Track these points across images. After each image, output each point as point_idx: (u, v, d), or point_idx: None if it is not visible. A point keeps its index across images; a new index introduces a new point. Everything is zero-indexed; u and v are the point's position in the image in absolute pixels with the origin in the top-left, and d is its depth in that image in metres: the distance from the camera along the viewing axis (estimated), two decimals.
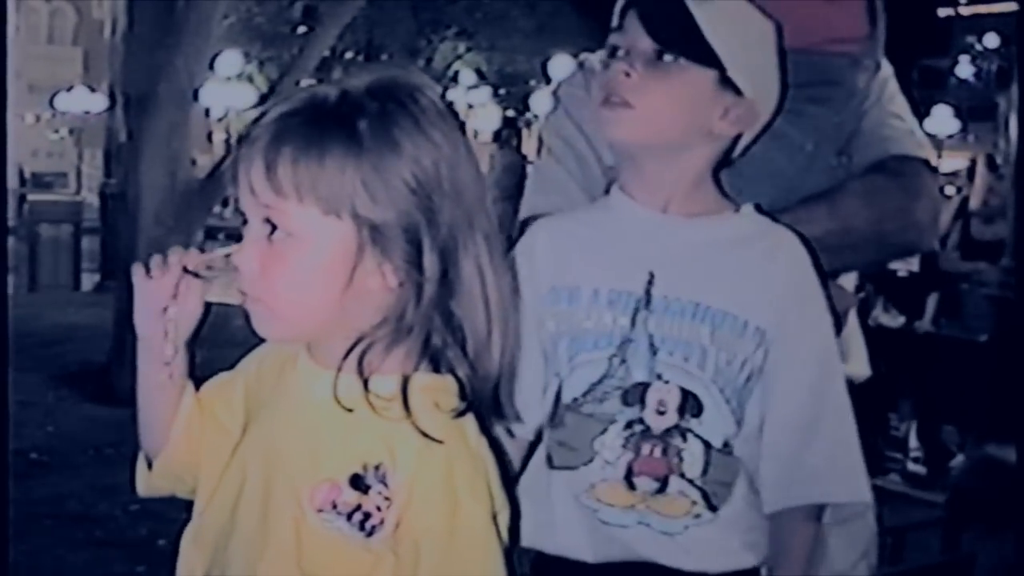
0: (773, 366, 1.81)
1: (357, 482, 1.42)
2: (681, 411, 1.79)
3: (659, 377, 1.80)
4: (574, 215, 1.96)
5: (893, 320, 7.08)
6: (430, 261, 1.42)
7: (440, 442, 1.42)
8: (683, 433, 1.79)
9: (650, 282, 1.81)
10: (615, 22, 1.89)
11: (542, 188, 2.23)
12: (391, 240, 1.41)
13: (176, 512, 1.67)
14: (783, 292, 1.82)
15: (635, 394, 1.80)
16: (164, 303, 1.56)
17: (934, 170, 2.25)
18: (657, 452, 1.79)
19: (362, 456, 1.42)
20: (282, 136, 1.40)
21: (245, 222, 1.46)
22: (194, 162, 8.81)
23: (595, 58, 2.29)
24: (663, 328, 1.80)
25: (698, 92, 1.83)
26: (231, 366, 1.65)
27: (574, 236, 1.88)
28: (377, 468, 1.41)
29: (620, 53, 1.86)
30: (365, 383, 1.43)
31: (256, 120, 1.45)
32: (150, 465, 1.64)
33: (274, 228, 1.42)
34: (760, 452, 1.82)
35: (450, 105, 1.50)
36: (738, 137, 1.89)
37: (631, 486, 1.80)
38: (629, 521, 1.81)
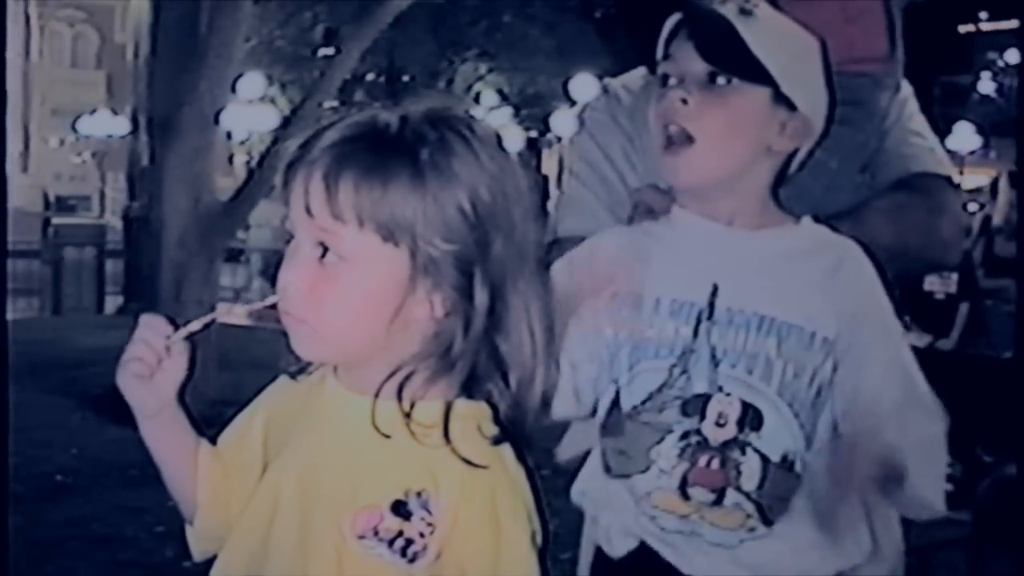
0: (846, 377, 1.81)
1: (399, 508, 1.42)
2: (741, 424, 1.80)
3: (720, 389, 1.80)
4: (638, 228, 1.96)
5: (918, 339, 7.05)
6: (481, 293, 1.42)
7: (484, 467, 1.42)
8: (742, 447, 1.80)
9: (714, 293, 1.82)
10: (661, 52, 1.91)
11: (570, 211, 2.25)
12: (444, 270, 1.41)
13: None
14: (850, 301, 1.82)
15: (695, 405, 1.80)
16: (148, 371, 1.54)
17: (956, 187, 2.25)
18: (715, 464, 1.80)
19: (404, 482, 1.41)
20: (344, 161, 1.40)
21: (289, 241, 1.46)
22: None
23: (618, 82, 2.31)
24: (726, 340, 1.81)
25: (755, 111, 1.84)
26: (254, 388, 1.65)
27: (638, 246, 1.89)
28: (419, 494, 1.41)
29: (672, 82, 1.87)
30: (408, 411, 1.43)
31: (307, 141, 1.45)
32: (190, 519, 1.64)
33: (325, 251, 1.42)
34: None
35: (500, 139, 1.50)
36: (794, 152, 1.90)
37: (685, 496, 1.81)
38: (685, 529, 1.82)
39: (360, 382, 1.47)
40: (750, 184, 1.85)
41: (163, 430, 1.58)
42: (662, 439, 1.81)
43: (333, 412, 1.50)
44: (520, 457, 1.48)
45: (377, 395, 1.45)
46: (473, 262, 1.42)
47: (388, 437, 1.43)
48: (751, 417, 1.79)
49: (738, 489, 1.80)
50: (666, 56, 1.89)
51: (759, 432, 1.79)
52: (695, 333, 1.81)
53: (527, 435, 1.49)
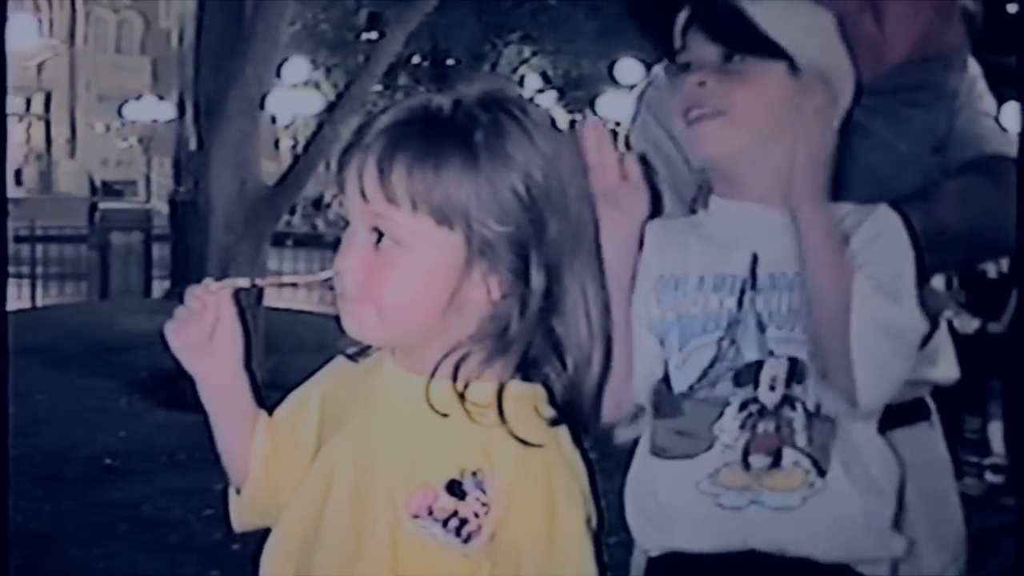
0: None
1: (454, 488, 1.41)
2: (788, 381, 1.80)
3: (771, 354, 1.80)
4: (675, 219, 1.97)
5: (968, 324, 7.00)
6: (537, 275, 1.41)
7: (540, 446, 1.41)
8: (792, 403, 1.80)
9: (754, 263, 1.82)
10: (679, 43, 1.93)
11: None
12: (499, 253, 1.40)
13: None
14: (869, 251, 1.81)
15: (748, 374, 1.80)
16: (206, 336, 1.55)
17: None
18: (771, 428, 1.79)
19: (460, 462, 1.41)
20: (397, 144, 1.40)
21: (345, 226, 1.46)
22: None
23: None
24: (770, 305, 1.81)
25: (773, 85, 1.85)
26: (301, 371, 1.64)
27: (678, 233, 1.90)
28: (475, 474, 1.40)
29: (690, 66, 1.89)
30: (463, 391, 1.42)
31: (362, 127, 1.45)
32: (237, 489, 1.64)
33: (380, 236, 1.42)
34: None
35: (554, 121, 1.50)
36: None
37: (746, 466, 1.80)
38: (743, 502, 1.80)
39: (417, 363, 1.47)
40: (780, 159, 1.82)
41: (219, 398, 1.59)
42: (722, 413, 1.80)
43: (389, 391, 1.50)
44: (576, 440, 1.47)
45: (433, 375, 1.44)
46: (528, 244, 1.41)
47: (445, 416, 1.43)
48: (797, 371, 1.80)
49: (793, 446, 1.79)
50: (683, 47, 1.91)
51: (803, 384, 1.80)
52: (739, 304, 1.82)
53: (584, 418, 1.48)
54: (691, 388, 1.82)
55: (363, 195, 1.41)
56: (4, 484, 2.83)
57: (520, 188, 1.40)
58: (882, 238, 1.83)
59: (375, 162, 1.40)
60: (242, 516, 1.65)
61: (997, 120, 2.24)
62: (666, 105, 2.18)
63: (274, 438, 1.61)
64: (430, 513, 1.41)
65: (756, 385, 1.80)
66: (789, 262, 1.79)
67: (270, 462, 1.60)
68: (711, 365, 1.81)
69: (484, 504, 1.40)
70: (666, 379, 1.85)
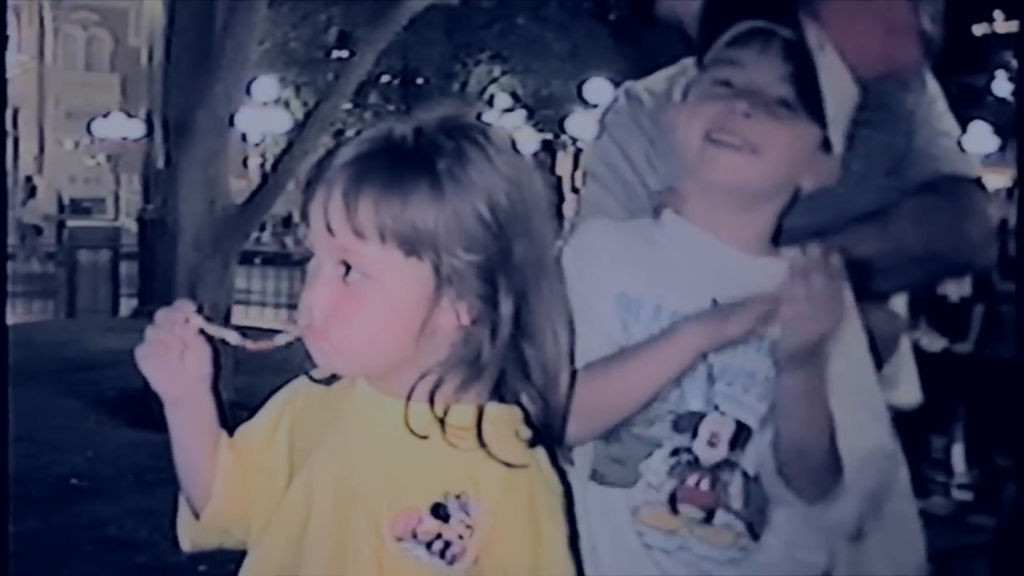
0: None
1: (439, 511, 1.42)
2: (732, 444, 1.77)
3: (716, 408, 1.77)
4: (627, 225, 1.93)
5: (934, 343, 7.03)
6: (506, 300, 1.42)
7: (524, 467, 1.43)
8: (732, 466, 1.77)
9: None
10: (724, 54, 1.86)
11: (590, 213, 2.24)
12: (468, 280, 1.41)
13: (226, 549, 1.66)
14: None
15: (687, 422, 1.76)
16: (176, 358, 1.53)
17: (984, 188, 2.23)
18: (704, 484, 1.76)
19: (444, 485, 1.42)
20: (362, 177, 1.40)
21: (305, 260, 1.46)
22: None
23: (640, 85, 2.30)
24: (723, 358, 1.76)
25: (805, 146, 1.82)
26: (269, 391, 1.64)
27: (631, 246, 1.84)
28: (459, 497, 1.41)
29: (731, 87, 1.82)
30: (442, 415, 1.43)
31: (324, 159, 1.45)
32: (196, 516, 1.62)
33: (348, 269, 1.42)
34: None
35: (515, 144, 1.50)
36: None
37: (675, 511, 1.77)
38: (672, 546, 1.78)
39: (392, 386, 1.47)
40: (765, 211, 1.83)
41: (189, 419, 1.57)
42: (651, 453, 1.77)
43: (365, 415, 1.50)
44: (553, 458, 1.48)
45: (409, 398, 1.44)
46: (496, 270, 1.42)
47: (425, 438, 1.43)
48: (743, 437, 1.76)
49: (727, 509, 1.77)
50: (732, 61, 1.84)
51: (745, 451, 1.77)
52: None
53: (557, 436, 1.49)
54: (627, 419, 1.77)
55: (329, 229, 1.41)
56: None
57: (485, 214, 1.41)
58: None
59: (340, 196, 1.40)
60: (198, 536, 1.64)
61: (959, 140, 2.26)
62: (627, 128, 2.19)
63: (240, 458, 1.60)
64: (414, 536, 1.42)
65: (694, 435, 1.76)
66: None
67: (237, 481, 1.59)
68: (651, 404, 1.76)
69: (468, 526, 1.41)
70: None
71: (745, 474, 1.77)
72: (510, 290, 1.42)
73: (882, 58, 2.07)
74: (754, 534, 1.78)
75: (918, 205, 2.11)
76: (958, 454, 7.62)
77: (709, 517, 1.77)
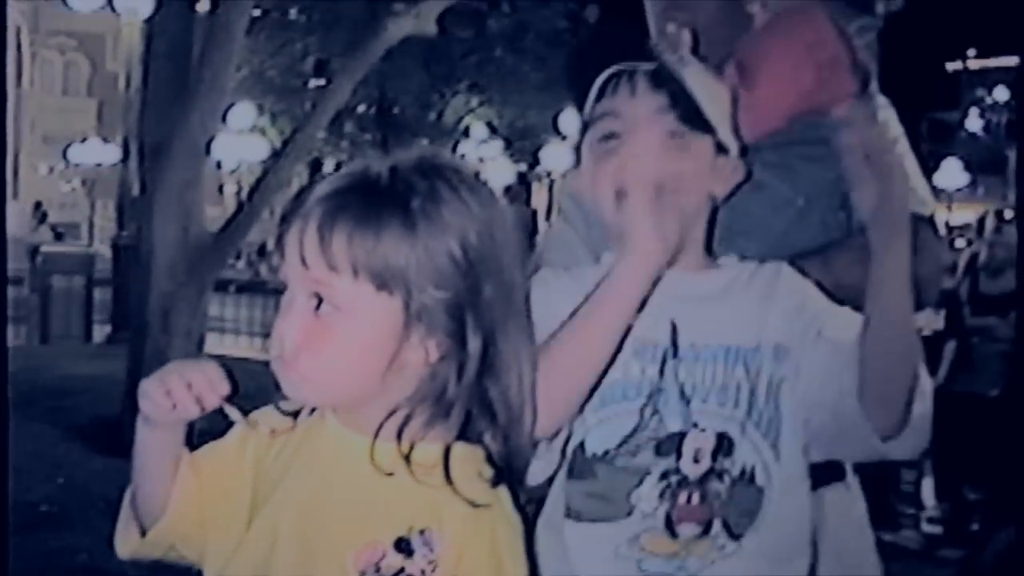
0: (797, 385, 1.81)
1: (402, 545, 1.44)
2: (715, 455, 1.79)
3: (695, 425, 1.79)
4: (573, 273, 1.94)
5: None
6: (473, 338, 1.45)
7: (488, 506, 1.45)
8: (719, 475, 1.79)
9: (674, 331, 1.81)
10: (598, 108, 1.88)
11: (552, 245, 2.27)
12: (437, 316, 1.44)
13: (187, 565, 1.68)
14: (793, 311, 1.83)
15: (669, 444, 1.79)
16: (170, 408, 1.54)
17: (935, 226, 2.26)
18: (695, 499, 1.78)
19: (409, 520, 1.44)
20: (337, 212, 1.43)
21: (280, 289, 1.48)
22: None
23: None
24: (694, 376, 1.79)
25: (706, 160, 1.85)
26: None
27: (582, 293, 1.82)
28: (423, 532, 1.43)
29: (617, 136, 1.85)
30: (408, 452, 1.45)
31: (301, 193, 1.48)
32: (140, 530, 1.64)
33: (320, 301, 1.45)
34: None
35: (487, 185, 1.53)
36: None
37: (673, 534, 1.79)
38: (672, 569, 1.79)
39: (360, 422, 1.49)
40: (693, 232, 1.85)
41: (160, 440, 1.59)
42: (641, 482, 1.79)
43: (333, 450, 1.52)
44: (515, 498, 1.51)
45: (376, 435, 1.47)
46: (465, 308, 1.45)
47: (390, 475, 1.45)
48: (725, 445, 1.79)
49: (720, 517, 1.79)
50: (608, 113, 1.87)
51: (731, 457, 1.79)
52: (661, 372, 1.80)
53: (520, 475, 1.52)
54: (607, 453, 1.80)
55: (303, 262, 1.44)
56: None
57: (457, 252, 1.44)
58: (808, 296, 1.86)
59: (315, 229, 1.43)
60: (140, 549, 1.65)
61: (915, 179, 2.28)
62: None
63: (200, 479, 1.62)
64: (378, 570, 1.44)
65: (678, 455, 1.78)
66: (712, 333, 1.80)
67: (192, 504, 1.61)
68: (632, 433, 1.79)
69: (431, 562, 1.43)
70: (582, 442, 1.82)
71: (732, 478, 1.79)
72: (478, 328, 1.45)
73: (816, 90, 2.10)
74: (732, 533, 1.80)
75: (862, 240, 2.13)
76: (928, 488, 7.65)
77: (706, 530, 1.79)
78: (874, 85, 2.23)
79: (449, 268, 1.44)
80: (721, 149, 1.87)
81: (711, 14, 2.23)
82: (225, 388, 1.53)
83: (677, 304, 1.80)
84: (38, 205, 26.60)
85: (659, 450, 1.79)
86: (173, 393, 1.52)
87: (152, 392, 1.53)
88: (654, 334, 1.80)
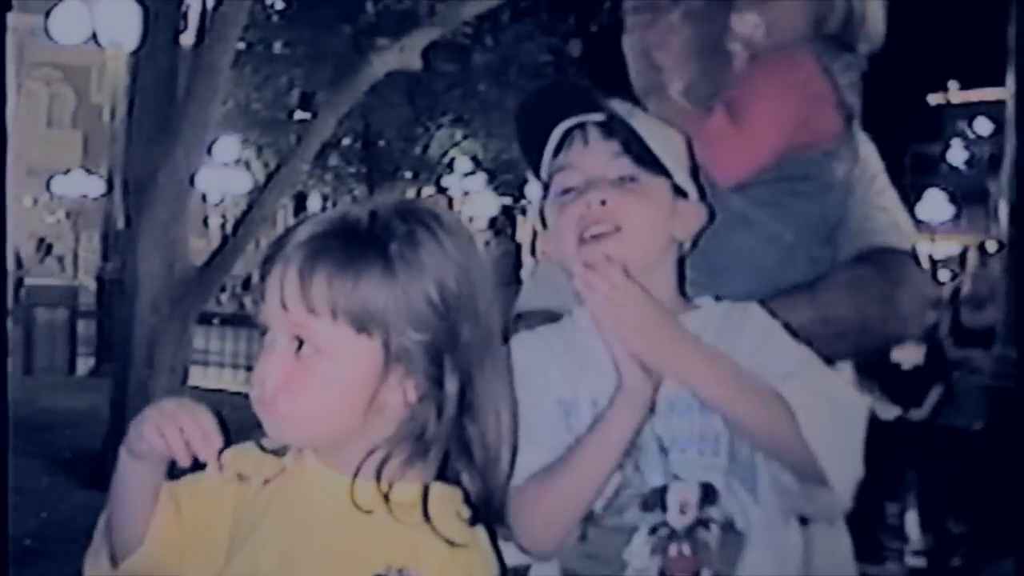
0: None
1: None
2: (701, 504, 1.80)
3: (676, 477, 1.80)
4: (545, 332, 1.95)
5: (887, 411, 7.09)
6: (451, 379, 1.47)
7: (465, 546, 1.46)
8: (706, 524, 1.80)
9: None
10: (552, 166, 1.92)
11: (536, 285, 2.29)
12: (415, 358, 1.46)
13: None
14: (763, 356, 1.82)
15: (654, 498, 1.80)
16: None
17: (918, 261, 2.28)
18: (686, 550, 1.79)
19: (387, 558, 1.45)
20: (317, 256, 1.45)
21: (264, 332, 1.50)
22: None
23: None
24: (672, 428, 1.80)
25: (663, 202, 1.87)
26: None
27: (554, 352, 1.88)
28: (401, 571, 1.44)
29: (575, 189, 1.88)
30: (387, 491, 1.46)
31: (282, 237, 1.49)
32: (112, 559, 1.65)
33: (301, 344, 1.46)
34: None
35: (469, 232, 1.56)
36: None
37: None
38: None
39: (341, 461, 1.51)
40: (660, 276, 1.87)
41: (144, 473, 1.60)
42: (630, 539, 1.79)
43: (314, 489, 1.54)
44: (492, 538, 1.52)
45: (356, 474, 1.48)
46: (443, 349, 1.47)
47: (370, 513, 1.46)
48: (710, 496, 1.80)
49: (711, 566, 1.80)
50: (563, 167, 1.90)
51: (717, 505, 1.80)
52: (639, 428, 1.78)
53: (496, 515, 1.53)
54: (594, 515, 1.79)
55: (284, 305, 1.46)
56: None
57: (435, 296, 1.46)
58: (771, 336, 1.86)
59: (296, 273, 1.45)
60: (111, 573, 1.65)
61: (899, 215, 2.30)
62: None
63: (179, 511, 1.63)
64: None
65: (664, 509, 1.79)
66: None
67: (169, 538, 1.62)
68: (617, 493, 1.79)
69: None
70: None
71: (720, 527, 1.80)
72: (456, 369, 1.47)
73: (802, 129, 2.12)
74: None
75: (849, 275, 2.15)
76: (912, 520, 7.66)
77: None
78: (857, 121, 2.26)
79: (427, 311, 1.46)
80: (679, 193, 1.89)
81: (690, 54, 2.26)
82: (218, 442, 1.54)
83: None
84: (41, 240, 26.56)
85: (645, 505, 1.80)
86: (167, 436, 1.53)
87: (146, 432, 1.54)
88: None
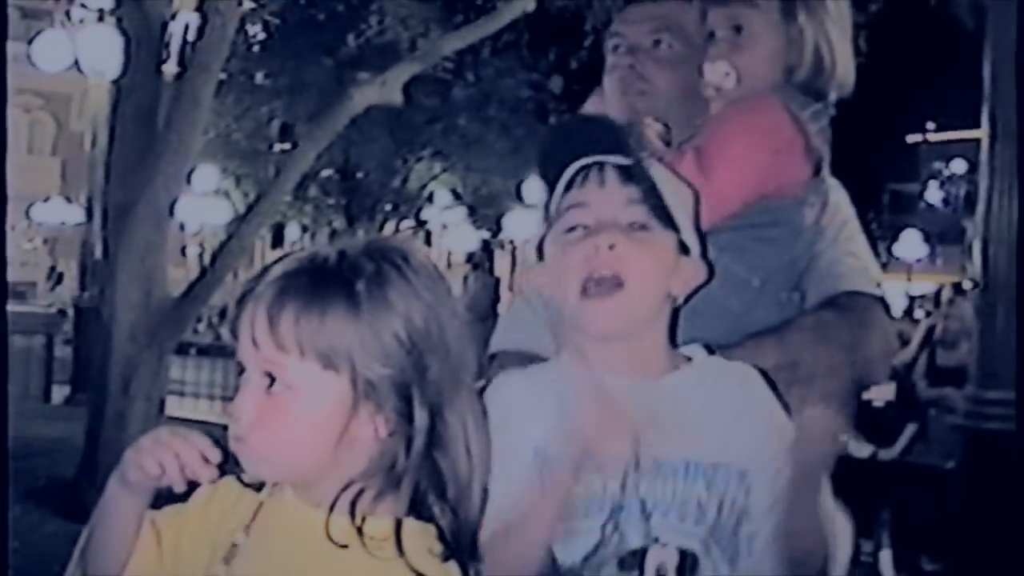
0: (760, 499, 1.81)
1: None
2: (680, 571, 1.78)
3: (656, 540, 1.78)
4: (534, 374, 1.92)
5: (860, 449, 7.11)
6: (420, 414, 1.50)
7: None
8: None
9: (636, 445, 1.76)
10: (564, 201, 1.90)
11: (512, 326, 2.31)
12: (384, 393, 1.49)
13: None
14: (756, 427, 1.84)
15: (632, 560, 1.78)
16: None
17: (887, 307, 2.31)
18: None
19: None
20: (285, 294, 1.48)
21: (242, 371, 1.53)
22: None
23: None
24: (655, 491, 1.79)
25: (667, 257, 1.87)
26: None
27: (542, 396, 1.83)
28: None
29: (584, 228, 1.86)
30: (360, 526, 1.48)
31: (254, 277, 1.52)
32: None
33: (273, 380, 1.49)
34: None
35: (436, 268, 1.59)
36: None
37: None
38: None
39: (316, 496, 1.53)
40: (653, 331, 1.87)
41: (132, 503, 1.63)
42: None
43: (290, 523, 1.56)
44: (464, 573, 1.53)
45: (331, 509, 1.50)
46: (411, 385, 1.49)
47: (345, 547, 1.48)
48: (689, 561, 1.78)
49: None
50: (576, 204, 1.87)
51: (696, 572, 1.79)
52: (622, 487, 1.79)
53: (469, 548, 1.55)
54: (570, 570, 1.78)
55: (255, 342, 1.49)
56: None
57: (402, 333, 1.48)
58: (763, 407, 1.87)
59: (265, 311, 1.48)
60: None
61: (867, 260, 2.33)
62: None
63: (160, 539, 1.66)
64: None
65: (641, 571, 1.78)
66: (674, 445, 1.79)
67: (152, 563, 1.65)
68: (595, 550, 1.78)
69: None
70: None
71: None
72: (424, 404, 1.50)
73: (771, 175, 2.15)
74: None
75: (816, 320, 2.17)
76: (886, 559, 7.67)
77: None
78: (826, 168, 2.28)
79: (394, 347, 1.49)
80: (683, 248, 1.89)
81: (669, 99, 2.29)
82: (217, 456, 1.57)
83: (640, 416, 1.76)
84: (52, 268, 26.46)
85: (622, 565, 1.79)
86: (165, 463, 1.55)
87: (144, 461, 1.56)
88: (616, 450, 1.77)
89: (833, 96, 2.29)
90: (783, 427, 1.86)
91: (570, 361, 1.88)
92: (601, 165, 1.88)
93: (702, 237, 1.95)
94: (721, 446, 1.81)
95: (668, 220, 1.87)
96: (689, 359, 1.92)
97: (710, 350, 1.95)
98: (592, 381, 1.80)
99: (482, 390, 1.81)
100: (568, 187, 1.90)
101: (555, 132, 2.02)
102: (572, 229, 1.88)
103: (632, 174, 1.87)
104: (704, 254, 1.94)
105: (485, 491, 1.57)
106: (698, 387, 1.87)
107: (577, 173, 1.89)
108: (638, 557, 1.79)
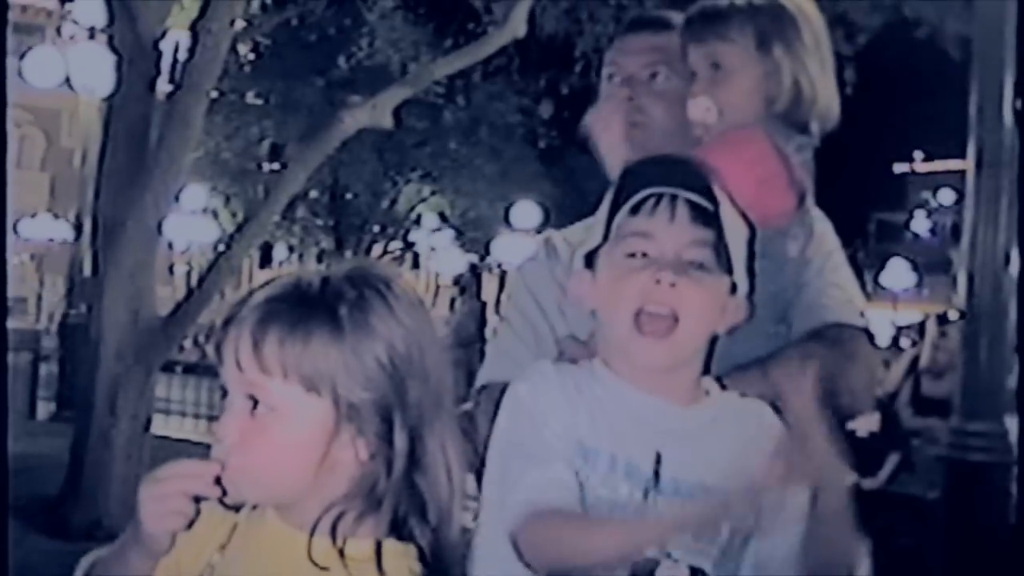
0: (766, 528, 1.81)
1: None
2: None
3: (668, 555, 1.80)
4: (565, 373, 1.93)
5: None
6: (400, 438, 1.52)
7: None
8: None
9: (658, 462, 1.83)
10: (624, 223, 1.90)
11: (500, 358, 2.33)
12: (365, 417, 1.51)
13: None
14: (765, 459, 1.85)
15: (644, 570, 1.80)
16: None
17: (872, 338, 2.32)
18: None
19: None
20: (269, 318, 1.51)
21: (226, 394, 1.54)
22: None
23: (560, 235, 2.40)
24: (674, 508, 1.80)
25: (720, 297, 1.89)
26: None
27: (579, 393, 1.87)
28: None
29: (644, 256, 1.87)
30: (341, 547, 1.50)
31: (242, 301, 1.54)
32: None
33: (256, 403, 1.51)
34: None
35: (418, 295, 1.61)
36: None
37: None
38: None
39: (297, 518, 1.55)
40: (691, 365, 1.90)
41: (153, 559, 1.63)
42: None
43: (273, 545, 1.58)
44: None
45: (313, 530, 1.52)
46: (392, 408, 1.52)
47: (326, 569, 1.50)
48: None
49: None
50: (641, 233, 1.88)
51: None
52: (645, 497, 1.82)
53: (450, 572, 1.57)
54: (584, 571, 1.77)
55: (238, 365, 1.51)
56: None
57: (383, 357, 1.51)
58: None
59: (249, 334, 1.51)
60: None
61: (852, 292, 2.34)
62: (542, 279, 2.29)
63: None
64: None
65: None
66: (693, 470, 1.82)
67: None
68: None
69: None
70: None
71: None
72: (405, 427, 1.52)
73: (756, 208, 2.16)
74: None
75: (800, 351, 2.19)
76: None
77: None
78: (810, 200, 2.30)
79: (376, 371, 1.52)
80: (732, 288, 1.91)
81: (665, 132, 2.32)
82: (216, 468, 1.57)
83: (666, 436, 1.84)
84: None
85: (634, 574, 1.80)
86: (182, 510, 1.57)
87: (163, 515, 1.58)
88: (640, 458, 1.83)
89: (816, 127, 2.31)
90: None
91: (603, 370, 1.91)
92: (673, 197, 1.89)
93: (751, 276, 1.97)
94: (736, 473, 1.82)
95: (727, 265, 1.89)
96: (707, 392, 1.94)
97: (720, 382, 1.98)
98: (626, 392, 1.87)
99: (502, 390, 1.89)
100: (635, 210, 1.90)
101: (641, 162, 2.00)
102: (632, 255, 1.89)
103: (706, 216, 1.88)
104: (750, 295, 1.96)
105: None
106: (718, 420, 1.90)
107: (647, 199, 1.90)
108: (650, 568, 1.80)
